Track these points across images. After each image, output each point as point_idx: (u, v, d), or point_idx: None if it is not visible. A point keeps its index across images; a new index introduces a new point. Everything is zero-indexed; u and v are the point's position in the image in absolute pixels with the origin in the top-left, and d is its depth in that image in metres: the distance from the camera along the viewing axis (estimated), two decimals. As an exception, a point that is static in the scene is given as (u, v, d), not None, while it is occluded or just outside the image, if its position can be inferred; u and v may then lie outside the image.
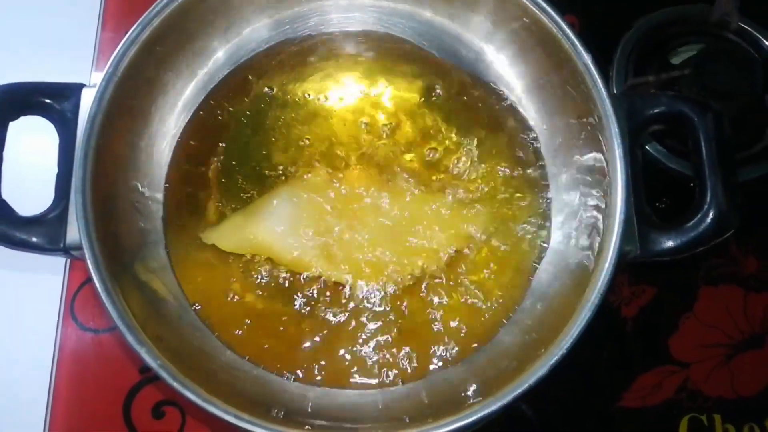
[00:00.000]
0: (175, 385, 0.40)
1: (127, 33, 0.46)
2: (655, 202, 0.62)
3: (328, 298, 0.50)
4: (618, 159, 0.44)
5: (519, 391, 0.41)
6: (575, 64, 0.46)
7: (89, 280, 0.60)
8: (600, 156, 0.47)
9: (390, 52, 0.56)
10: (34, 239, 0.43)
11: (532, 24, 0.49)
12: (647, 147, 0.61)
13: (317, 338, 0.49)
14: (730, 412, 0.59)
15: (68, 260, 0.62)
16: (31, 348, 0.59)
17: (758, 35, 0.64)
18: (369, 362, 0.48)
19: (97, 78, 0.45)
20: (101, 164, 0.44)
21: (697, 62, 0.60)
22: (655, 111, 0.46)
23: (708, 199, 0.44)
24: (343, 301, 0.50)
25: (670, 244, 0.45)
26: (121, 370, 0.58)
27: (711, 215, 0.44)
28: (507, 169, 0.53)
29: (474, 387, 0.45)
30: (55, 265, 0.60)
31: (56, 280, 0.60)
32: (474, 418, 0.41)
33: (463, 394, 0.45)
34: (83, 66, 0.63)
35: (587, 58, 0.46)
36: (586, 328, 0.42)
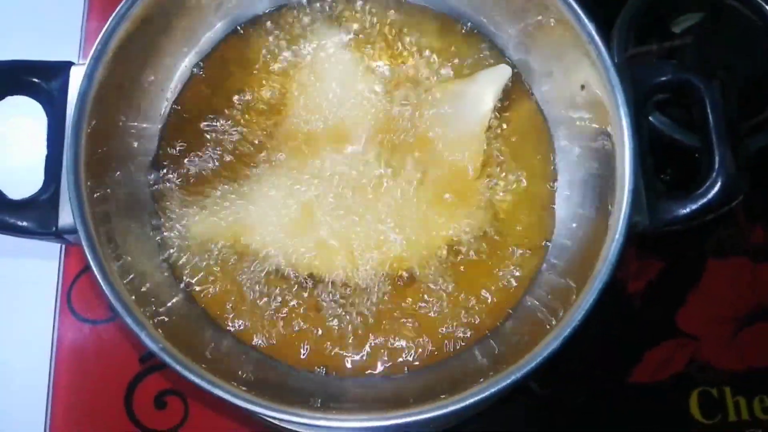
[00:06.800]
0: (178, 368, 0.39)
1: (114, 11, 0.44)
2: (660, 174, 0.61)
3: (324, 285, 0.48)
4: (624, 128, 0.43)
5: (531, 366, 0.40)
6: (578, 33, 0.45)
7: (85, 270, 0.60)
8: (606, 126, 0.45)
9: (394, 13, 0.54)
10: (25, 223, 0.42)
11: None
12: (651, 118, 0.60)
13: (319, 324, 0.48)
14: (741, 385, 0.59)
15: (63, 251, 0.61)
16: (29, 341, 0.58)
17: (761, 1, 0.62)
18: (375, 348, 0.47)
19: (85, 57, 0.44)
20: (93, 144, 0.43)
21: (699, 31, 0.59)
22: (661, 80, 0.45)
23: (716, 165, 0.44)
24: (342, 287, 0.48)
25: (680, 212, 0.44)
26: (121, 361, 0.58)
27: (720, 181, 0.43)
28: (510, 146, 0.52)
29: (486, 363, 0.44)
30: (51, 257, 0.59)
31: (52, 273, 0.59)
32: (485, 394, 0.40)
33: (475, 371, 0.44)
34: (70, 49, 0.62)
35: (591, 27, 0.45)
36: (597, 301, 0.41)
